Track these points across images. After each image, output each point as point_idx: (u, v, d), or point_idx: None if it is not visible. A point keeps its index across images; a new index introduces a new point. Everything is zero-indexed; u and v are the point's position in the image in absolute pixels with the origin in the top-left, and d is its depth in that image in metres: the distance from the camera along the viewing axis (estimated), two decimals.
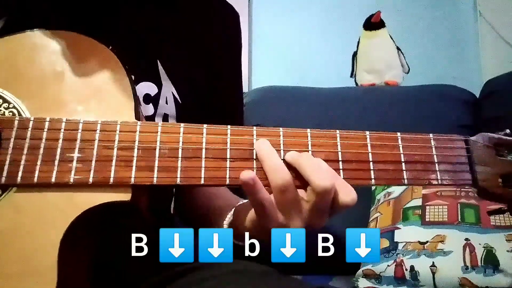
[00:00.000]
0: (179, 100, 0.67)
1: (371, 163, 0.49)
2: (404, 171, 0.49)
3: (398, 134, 0.51)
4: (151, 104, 0.64)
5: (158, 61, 0.66)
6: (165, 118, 0.66)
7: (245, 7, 1.84)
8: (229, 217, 0.57)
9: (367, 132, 0.50)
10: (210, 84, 0.72)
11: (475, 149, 0.51)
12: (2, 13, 0.62)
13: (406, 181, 0.49)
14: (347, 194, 0.46)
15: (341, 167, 0.48)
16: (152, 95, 0.65)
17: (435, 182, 0.49)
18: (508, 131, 0.53)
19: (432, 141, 0.51)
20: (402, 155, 0.49)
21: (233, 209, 0.56)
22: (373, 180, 0.48)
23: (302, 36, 1.85)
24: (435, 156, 0.50)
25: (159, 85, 0.65)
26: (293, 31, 1.86)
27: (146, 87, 0.64)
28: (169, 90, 0.66)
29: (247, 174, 0.46)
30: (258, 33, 1.87)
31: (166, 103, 0.66)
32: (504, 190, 0.50)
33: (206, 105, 0.71)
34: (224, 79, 0.75)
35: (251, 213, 0.50)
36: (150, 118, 0.64)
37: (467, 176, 0.50)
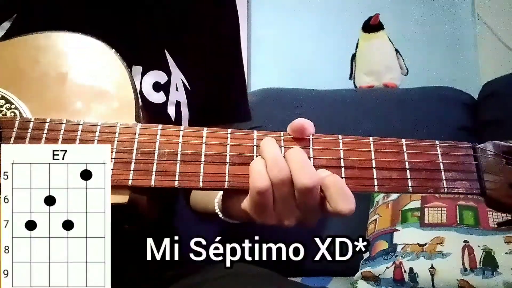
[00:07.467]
0: (188, 87, 0.68)
1: (374, 170, 0.47)
2: (409, 179, 0.47)
3: (403, 140, 0.49)
4: (161, 92, 0.65)
5: (165, 50, 0.67)
6: (178, 105, 0.67)
7: (244, 9, 1.84)
8: (219, 196, 0.56)
9: (371, 138, 0.49)
10: (213, 69, 0.72)
11: (483, 157, 0.48)
12: (9, 13, 0.63)
13: (411, 189, 0.47)
14: (346, 202, 0.44)
15: (343, 174, 0.47)
16: (162, 83, 0.65)
17: (441, 190, 0.47)
18: None
19: (438, 148, 0.49)
20: (406, 162, 0.48)
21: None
22: (376, 187, 0.47)
23: (301, 38, 1.85)
24: (441, 163, 0.48)
25: (168, 73, 0.66)
26: (292, 33, 1.86)
27: (156, 75, 0.65)
28: (178, 77, 0.67)
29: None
30: (257, 35, 1.87)
31: (177, 90, 0.67)
32: None
33: (212, 90, 0.72)
34: (225, 62, 0.75)
35: (244, 203, 0.48)
36: (162, 105, 0.65)
37: (475, 185, 0.48)
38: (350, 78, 1.63)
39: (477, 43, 1.78)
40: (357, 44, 1.61)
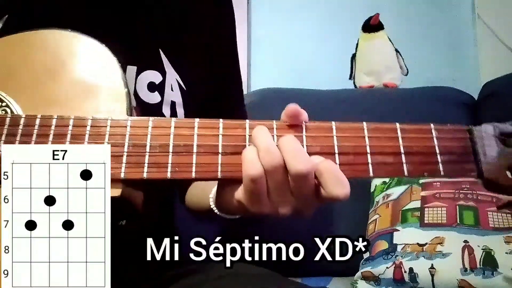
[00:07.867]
0: (184, 87, 0.68)
1: (368, 155, 0.47)
2: (404, 163, 0.47)
3: (397, 124, 0.49)
4: (156, 92, 0.65)
5: (160, 50, 0.67)
6: (173, 105, 0.66)
7: (244, 9, 1.84)
8: (213, 192, 0.56)
9: (364, 123, 0.49)
10: (211, 69, 0.72)
11: (479, 139, 0.48)
12: (3, 12, 0.63)
13: (406, 172, 0.46)
14: (340, 187, 0.43)
15: (337, 160, 0.46)
16: (156, 83, 0.65)
17: (438, 174, 0.47)
18: None
19: (433, 131, 0.48)
20: (401, 147, 0.47)
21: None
22: (371, 173, 0.46)
23: (301, 38, 1.85)
24: (436, 147, 0.47)
25: (163, 73, 0.66)
26: (292, 33, 1.86)
27: (151, 75, 0.65)
28: (173, 77, 0.67)
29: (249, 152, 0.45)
30: (257, 35, 1.87)
31: (172, 90, 0.66)
32: None
33: (209, 90, 0.72)
34: (223, 62, 0.75)
35: (238, 193, 0.47)
36: (157, 106, 0.65)
37: (471, 167, 0.47)
38: (350, 78, 1.63)
39: (477, 43, 1.78)
40: (357, 44, 1.61)
